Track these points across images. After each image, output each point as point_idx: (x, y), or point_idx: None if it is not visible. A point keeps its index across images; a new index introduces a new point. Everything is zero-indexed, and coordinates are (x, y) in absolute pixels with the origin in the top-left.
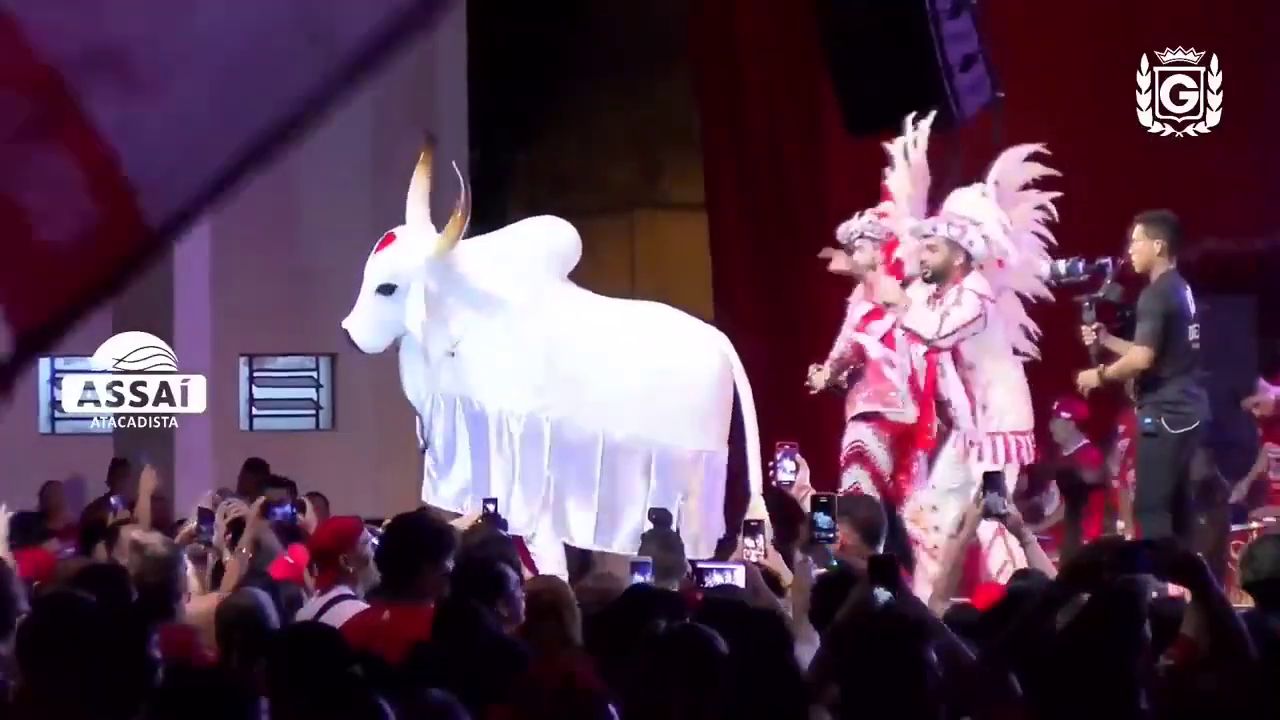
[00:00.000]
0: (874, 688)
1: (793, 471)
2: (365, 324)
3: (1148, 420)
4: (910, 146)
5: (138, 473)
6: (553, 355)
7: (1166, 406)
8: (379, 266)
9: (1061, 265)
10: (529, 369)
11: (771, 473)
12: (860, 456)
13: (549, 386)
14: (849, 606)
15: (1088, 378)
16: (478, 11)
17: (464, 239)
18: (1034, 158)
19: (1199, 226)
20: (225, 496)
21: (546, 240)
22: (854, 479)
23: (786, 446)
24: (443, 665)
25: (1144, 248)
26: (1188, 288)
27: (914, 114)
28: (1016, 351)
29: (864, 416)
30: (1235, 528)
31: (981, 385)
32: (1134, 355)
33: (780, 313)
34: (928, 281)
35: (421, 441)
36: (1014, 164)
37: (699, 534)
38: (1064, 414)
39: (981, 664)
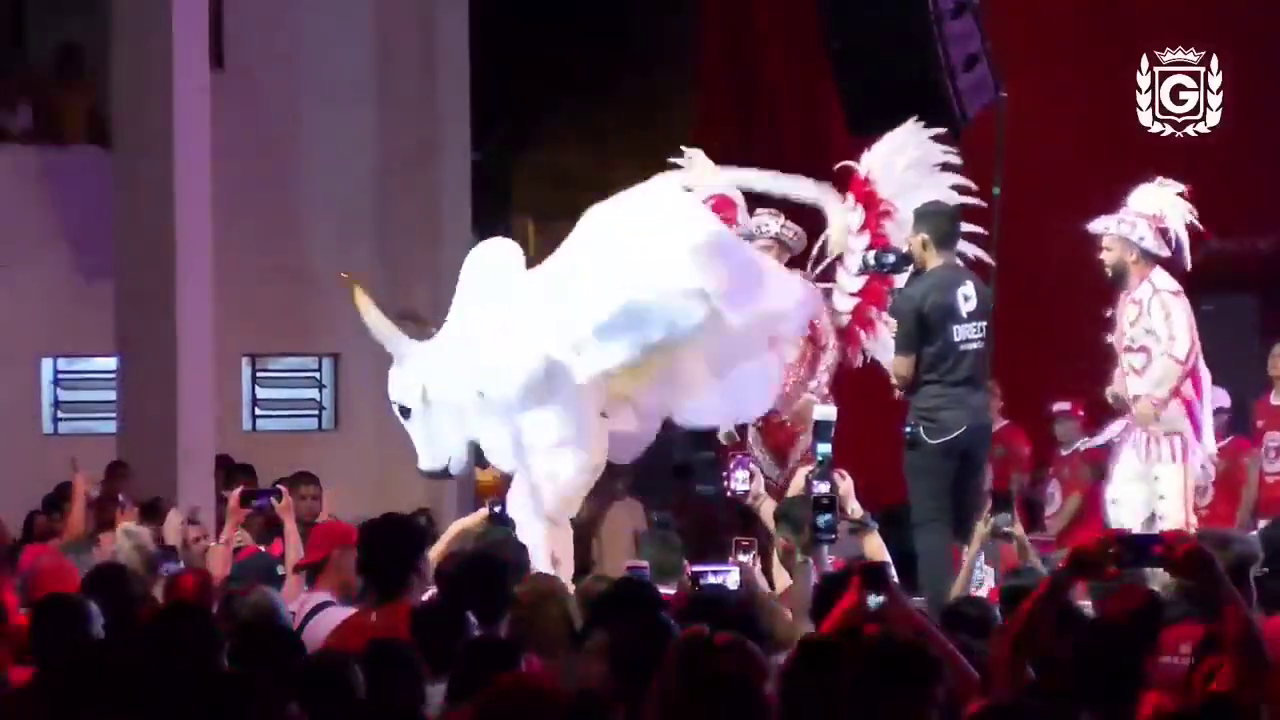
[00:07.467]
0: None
1: (747, 481)
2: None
3: (907, 429)
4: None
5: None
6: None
7: (922, 413)
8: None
9: (871, 256)
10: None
11: (726, 483)
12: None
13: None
14: (841, 617)
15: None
16: (480, 11)
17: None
18: None
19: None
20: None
21: (474, 270)
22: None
23: (740, 456)
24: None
25: (913, 242)
26: (964, 283)
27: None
28: None
29: None
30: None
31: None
32: (893, 363)
33: None
34: (1111, 283)
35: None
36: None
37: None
38: (1066, 414)
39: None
